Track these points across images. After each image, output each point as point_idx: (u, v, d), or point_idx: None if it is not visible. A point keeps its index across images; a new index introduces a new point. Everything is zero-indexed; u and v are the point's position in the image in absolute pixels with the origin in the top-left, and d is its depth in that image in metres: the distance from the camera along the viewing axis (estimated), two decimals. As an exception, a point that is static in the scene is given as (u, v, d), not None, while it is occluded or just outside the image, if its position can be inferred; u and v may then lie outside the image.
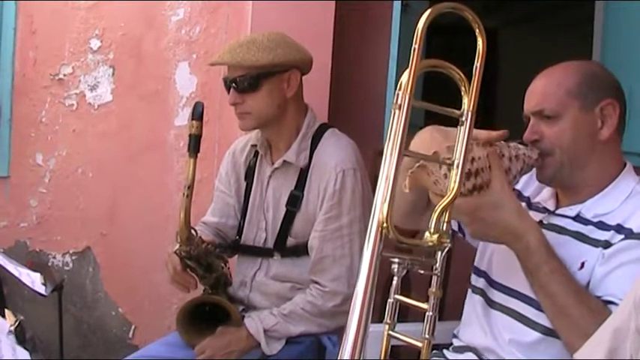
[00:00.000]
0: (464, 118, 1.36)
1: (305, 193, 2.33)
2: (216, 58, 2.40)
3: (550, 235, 1.68)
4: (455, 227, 1.97)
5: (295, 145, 2.36)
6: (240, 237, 2.49)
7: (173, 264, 2.31)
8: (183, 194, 2.26)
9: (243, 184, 2.50)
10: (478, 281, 1.90)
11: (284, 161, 2.36)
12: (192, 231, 2.29)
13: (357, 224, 2.28)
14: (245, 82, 2.29)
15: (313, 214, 2.31)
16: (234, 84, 2.30)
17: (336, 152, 2.33)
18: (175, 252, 2.29)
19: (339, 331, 2.29)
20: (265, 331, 2.27)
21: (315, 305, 2.28)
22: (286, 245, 2.37)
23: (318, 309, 2.28)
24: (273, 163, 2.41)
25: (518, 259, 1.63)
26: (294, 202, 2.34)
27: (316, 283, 2.30)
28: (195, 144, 2.27)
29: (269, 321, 2.29)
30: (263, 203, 2.44)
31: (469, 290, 1.94)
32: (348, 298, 2.22)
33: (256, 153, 2.48)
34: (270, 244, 2.40)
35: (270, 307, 2.34)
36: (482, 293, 1.87)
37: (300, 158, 2.35)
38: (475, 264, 1.95)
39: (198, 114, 2.28)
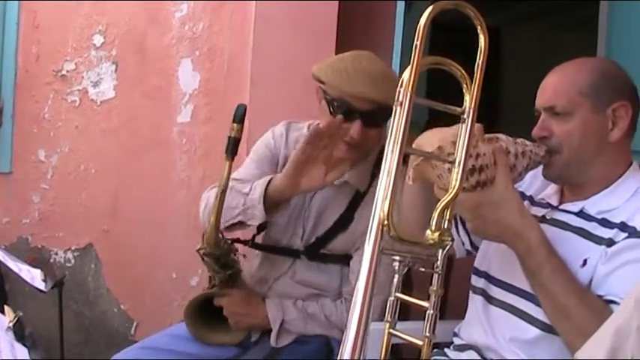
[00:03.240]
0: (465, 116, 1.35)
1: (356, 216, 2.27)
2: (362, 89, 2.12)
3: (553, 231, 1.68)
4: (468, 247, 1.98)
5: (360, 169, 2.24)
6: (267, 233, 2.42)
7: None
8: (217, 197, 2.19)
9: None
10: (479, 281, 1.89)
11: (344, 182, 2.26)
12: (220, 235, 2.25)
13: None
14: (377, 116, 2.15)
15: (358, 235, 2.24)
16: (366, 117, 2.14)
17: None
18: (197, 250, 2.27)
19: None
20: (283, 322, 2.25)
21: (342, 319, 2.23)
22: (317, 252, 2.33)
23: (343, 323, 2.20)
24: None
25: (518, 259, 1.62)
26: (345, 224, 2.28)
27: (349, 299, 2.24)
28: (233, 147, 2.20)
29: (290, 313, 2.26)
30: (304, 210, 2.35)
31: (470, 291, 1.94)
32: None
33: None
34: (301, 248, 2.35)
35: (295, 300, 2.30)
36: (482, 292, 1.86)
37: (361, 182, 2.27)
38: (475, 265, 1.94)
39: (239, 116, 2.20)
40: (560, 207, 1.78)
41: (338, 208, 2.31)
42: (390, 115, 2.18)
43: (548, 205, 1.81)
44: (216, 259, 2.27)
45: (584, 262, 1.64)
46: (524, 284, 1.68)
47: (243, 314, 2.28)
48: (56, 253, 3.24)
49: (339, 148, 2.16)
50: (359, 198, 2.28)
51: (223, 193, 2.18)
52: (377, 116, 2.15)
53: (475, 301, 1.89)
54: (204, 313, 2.33)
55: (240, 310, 2.28)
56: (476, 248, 1.98)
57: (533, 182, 1.91)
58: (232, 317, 2.28)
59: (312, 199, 2.35)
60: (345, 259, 2.30)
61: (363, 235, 2.22)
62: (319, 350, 2.30)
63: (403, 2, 3.20)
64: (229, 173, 2.19)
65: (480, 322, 1.84)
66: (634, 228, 1.60)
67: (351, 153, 2.17)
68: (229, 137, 2.21)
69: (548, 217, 1.78)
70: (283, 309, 2.27)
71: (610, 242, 1.62)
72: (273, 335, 2.25)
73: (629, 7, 3.45)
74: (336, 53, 2.93)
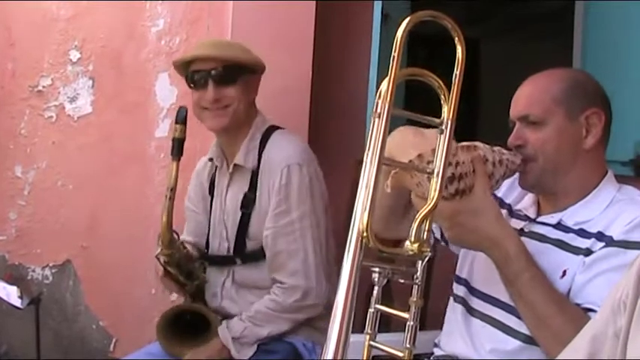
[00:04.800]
0: (444, 127, 1.36)
1: (257, 193, 2.35)
2: (196, 51, 2.42)
3: (531, 244, 1.68)
4: (437, 235, 1.97)
5: (243, 147, 2.38)
6: (207, 249, 2.50)
7: (157, 268, 2.35)
8: (166, 196, 2.28)
9: (209, 199, 2.52)
10: (459, 289, 1.90)
11: (235, 165, 2.39)
12: (174, 234, 2.29)
13: (307, 218, 2.30)
14: (225, 73, 2.32)
15: (266, 213, 2.33)
16: (214, 76, 2.32)
17: (281, 150, 2.36)
18: (156, 256, 2.29)
19: (315, 338, 2.33)
20: (235, 338, 2.28)
21: (278, 302, 2.29)
22: (246, 249, 2.39)
23: (281, 306, 2.29)
24: (229, 170, 2.44)
25: (497, 268, 1.62)
26: (247, 203, 2.37)
27: (276, 280, 2.32)
28: (178, 147, 2.31)
29: (237, 328, 2.30)
30: (223, 213, 2.45)
31: (451, 298, 1.94)
32: (308, 292, 2.28)
33: (217, 167, 2.51)
34: (232, 251, 2.41)
35: (240, 313, 2.35)
36: (462, 302, 1.86)
37: (249, 160, 2.37)
38: (456, 272, 1.95)
39: (181, 118, 2.31)
40: (538, 219, 1.79)
41: (242, 192, 2.39)
42: (241, 73, 2.32)
43: (527, 218, 1.82)
44: (177, 266, 2.28)
45: (564, 273, 1.65)
46: (506, 297, 1.68)
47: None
48: (34, 270, 3.21)
49: (210, 120, 2.35)
50: (254, 177, 2.37)
51: (172, 191, 2.28)
52: (225, 74, 2.32)
53: (456, 311, 1.88)
54: (177, 329, 2.33)
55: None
56: (445, 241, 1.97)
57: (511, 191, 1.91)
58: None
59: (226, 198, 2.44)
60: None
61: (267, 212, 2.29)
62: (287, 357, 2.33)
63: (380, 11, 3.19)
64: (177, 174, 2.29)
65: (460, 334, 1.84)
66: (610, 237, 1.61)
67: (219, 118, 2.34)
68: (173, 138, 2.32)
69: (526, 230, 1.78)
70: (229, 327, 2.31)
71: (588, 252, 1.64)
72: (233, 353, 2.29)
73: (603, 18, 3.48)
74: (313, 66, 2.95)
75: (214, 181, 2.51)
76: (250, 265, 2.39)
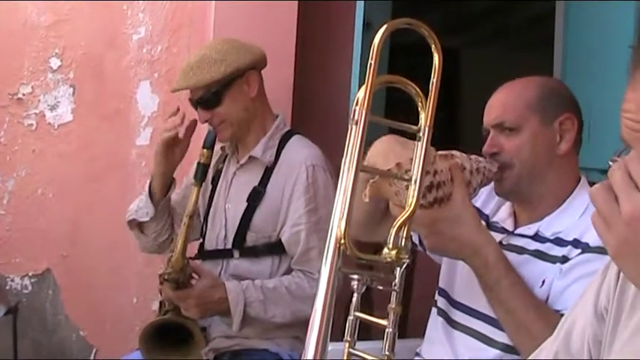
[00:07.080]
0: (421, 134, 1.36)
1: (268, 189, 2.35)
2: (174, 84, 2.45)
3: (510, 256, 1.68)
4: (415, 240, 1.97)
5: (263, 141, 2.40)
6: (203, 239, 2.49)
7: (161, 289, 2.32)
8: (184, 223, 2.26)
9: (209, 188, 2.52)
10: (440, 300, 1.90)
11: (250, 157, 2.39)
12: (186, 260, 2.28)
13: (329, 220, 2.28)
14: (207, 98, 2.34)
15: (275, 209, 2.34)
16: (199, 103, 2.36)
17: (303, 149, 2.39)
18: (161, 275, 2.26)
19: (299, 349, 2.29)
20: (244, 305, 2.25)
21: (302, 287, 2.28)
22: (246, 242, 2.37)
23: (304, 292, 2.26)
24: (238, 161, 2.44)
25: (476, 275, 1.63)
26: (256, 196, 2.36)
27: (303, 271, 2.30)
28: (202, 173, 2.32)
29: (250, 293, 2.26)
30: (225, 202, 2.45)
31: (434, 308, 1.94)
32: None
33: (226, 157, 2.52)
34: (230, 242, 2.40)
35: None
36: (443, 314, 1.86)
37: (267, 154, 2.38)
38: (439, 282, 1.95)
39: (209, 143, 2.33)
40: (516, 232, 1.80)
41: (251, 186, 2.39)
42: (225, 89, 2.33)
43: (504, 230, 1.83)
44: (176, 282, 2.26)
45: (543, 283, 1.65)
46: (485, 308, 1.68)
47: (211, 302, 2.26)
48: (12, 280, 3.17)
49: (217, 135, 2.39)
50: (268, 172, 2.38)
51: (190, 218, 2.26)
52: (204, 98, 2.35)
53: (437, 321, 1.89)
54: (159, 339, 2.31)
55: (208, 297, 2.26)
56: (424, 247, 1.97)
57: (488, 201, 1.92)
58: (201, 307, 2.26)
59: (230, 187, 2.45)
60: (274, 250, 2.35)
61: (278, 210, 2.31)
62: None
63: (362, 20, 3.21)
64: (197, 199, 2.29)
65: (441, 343, 1.84)
66: (587, 244, 1.62)
67: (223, 133, 2.38)
68: (198, 163, 2.30)
69: (504, 243, 1.79)
70: (244, 290, 2.27)
71: (564, 259, 1.65)
72: (236, 321, 2.24)
73: (583, 28, 3.51)
74: (295, 75, 2.95)
75: (221, 170, 2.52)
76: (247, 259, 2.38)
